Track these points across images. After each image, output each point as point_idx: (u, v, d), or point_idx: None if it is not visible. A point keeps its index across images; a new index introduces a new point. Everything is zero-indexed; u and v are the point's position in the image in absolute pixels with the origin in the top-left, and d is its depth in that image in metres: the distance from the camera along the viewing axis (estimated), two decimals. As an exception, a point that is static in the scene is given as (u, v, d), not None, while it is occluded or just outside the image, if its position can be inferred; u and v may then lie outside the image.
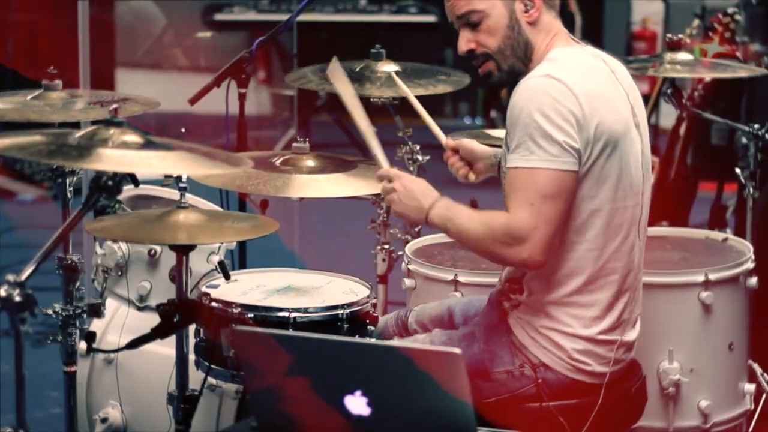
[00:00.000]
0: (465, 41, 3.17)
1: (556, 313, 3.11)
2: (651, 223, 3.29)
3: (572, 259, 3.09)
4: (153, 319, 3.12)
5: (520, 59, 3.16)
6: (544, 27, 3.16)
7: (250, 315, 3.24)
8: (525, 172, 2.99)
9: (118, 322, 3.82)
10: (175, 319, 3.08)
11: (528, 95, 3.02)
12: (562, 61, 3.09)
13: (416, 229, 4.21)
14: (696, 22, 6.29)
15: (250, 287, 3.47)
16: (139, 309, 3.72)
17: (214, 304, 3.25)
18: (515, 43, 3.14)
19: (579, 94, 3.01)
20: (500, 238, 3.01)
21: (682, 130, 6.10)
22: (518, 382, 3.12)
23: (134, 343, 3.14)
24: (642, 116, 3.20)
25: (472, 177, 3.44)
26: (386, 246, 4.19)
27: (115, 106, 2.95)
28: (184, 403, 3.19)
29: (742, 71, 4.73)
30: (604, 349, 3.13)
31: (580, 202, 3.06)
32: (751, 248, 3.87)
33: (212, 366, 3.26)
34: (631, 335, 3.20)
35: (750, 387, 3.83)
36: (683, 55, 4.31)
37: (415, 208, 3.11)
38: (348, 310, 3.31)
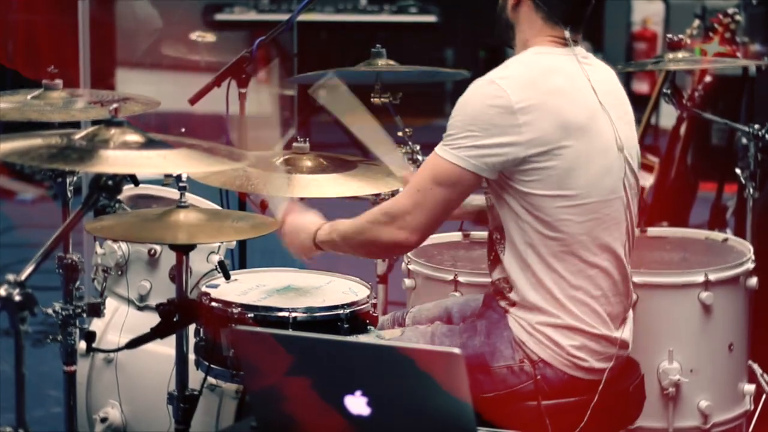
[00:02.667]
0: None
1: (548, 312, 3.11)
2: (651, 223, 3.30)
3: (549, 259, 3.09)
4: (153, 319, 3.12)
5: (505, 33, 3.26)
6: (525, 19, 3.20)
7: (250, 315, 3.24)
8: (432, 158, 3.11)
9: (117, 321, 3.82)
10: (174, 319, 3.08)
11: (467, 96, 3.11)
12: (519, 64, 3.15)
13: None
14: (696, 22, 6.29)
15: (250, 287, 3.48)
16: (139, 309, 3.72)
17: (214, 303, 3.26)
18: (502, 16, 3.25)
19: (517, 101, 3.04)
20: (378, 218, 3.14)
21: (683, 130, 6.11)
22: (517, 377, 3.13)
23: (134, 343, 3.14)
24: (629, 123, 3.22)
25: None
26: (386, 246, 4.18)
27: (115, 105, 2.95)
28: (183, 402, 3.19)
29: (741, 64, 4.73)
30: (599, 346, 3.14)
31: (542, 201, 3.06)
32: (751, 249, 3.87)
33: (212, 366, 3.26)
34: (624, 332, 3.21)
35: (750, 387, 3.83)
36: (683, 55, 4.31)
37: (305, 238, 3.26)
38: (348, 310, 3.31)
